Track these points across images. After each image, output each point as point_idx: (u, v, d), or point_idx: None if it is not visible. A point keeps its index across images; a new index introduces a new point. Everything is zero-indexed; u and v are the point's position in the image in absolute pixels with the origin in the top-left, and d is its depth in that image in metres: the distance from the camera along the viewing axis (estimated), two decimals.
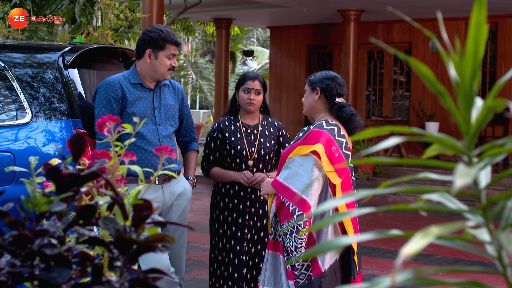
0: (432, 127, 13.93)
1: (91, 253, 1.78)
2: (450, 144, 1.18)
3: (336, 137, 3.84)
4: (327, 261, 3.81)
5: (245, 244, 4.58)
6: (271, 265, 3.92)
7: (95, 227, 1.82)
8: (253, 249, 4.61)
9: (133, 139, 2.44)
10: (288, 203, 3.72)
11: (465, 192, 1.17)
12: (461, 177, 1.02)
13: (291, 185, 3.73)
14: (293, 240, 3.73)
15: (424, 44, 14.74)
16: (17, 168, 2.51)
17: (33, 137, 4.29)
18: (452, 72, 1.22)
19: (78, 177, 1.69)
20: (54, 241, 1.64)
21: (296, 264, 3.76)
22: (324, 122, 3.87)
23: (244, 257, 4.56)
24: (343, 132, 3.91)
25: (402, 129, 1.27)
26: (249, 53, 20.66)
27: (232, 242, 4.57)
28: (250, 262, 4.61)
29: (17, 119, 4.33)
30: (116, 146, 2.35)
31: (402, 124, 14.73)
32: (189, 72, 24.83)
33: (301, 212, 3.68)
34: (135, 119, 2.53)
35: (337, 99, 3.97)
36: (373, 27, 15.18)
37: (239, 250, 4.55)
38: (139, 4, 10.06)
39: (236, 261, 4.55)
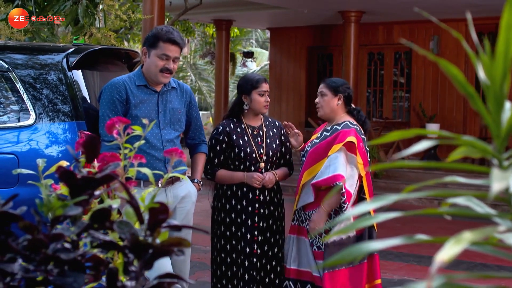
0: (433, 129, 13.91)
1: (103, 257, 1.75)
2: (480, 147, 1.16)
3: (360, 135, 4.43)
4: None
5: (255, 246, 4.56)
6: (296, 247, 4.53)
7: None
8: (259, 251, 4.60)
9: (142, 141, 2.41)
10: (344, 190, 4.28)
11: (497, 197, 1.15)
12: (498, 181, 0.99)
13: (343, 173, 4.30)
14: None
15: (424, 46, 14.71)
16: (24, 171, 2.47)
17: (37, 139, 4.25)
18: (481, 74, 1.19)
19: (92, 180, 1.67)
20: (67, 245, 1.62)
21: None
22: (348, 123, 4.45)
23: (254, 259, 4.55)
24: (362, 131, 4.52)
25: (429, 132, 1.25)
26: (249, 55, 20.64)
27: (242, 243, 4.55)
28: (258, 264, 4.59)
29: (21, 121, 4.29)
30: (125, 148, 2.31)
31: (402, 126, 14.71)
32: (188, 74, 24.80)
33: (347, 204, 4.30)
34: (145, 121, 2.50)
35: (352, 105, 4.61)
36: (373, 28, 15.16)
37: (249, 252, 4.54)
38: (138, 5, 10.05)
39: (247, 263, 4.54)
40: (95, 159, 1.87)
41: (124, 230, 1.63)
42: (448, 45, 14.28)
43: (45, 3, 5.90)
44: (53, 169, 2.38)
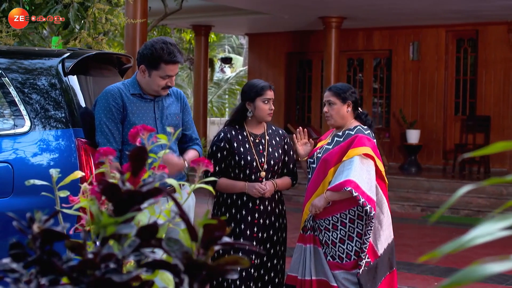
0: (413, 135, 13.90)
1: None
2: None
3: (373, 140, 4.43)
4: (382, 245, 4.39)
5: (253, 256, 4.44)
6: (314, 257, 4.46)
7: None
8: (258, 261, 4.48)
9: (167, 150, 2.29)
10: (356, 194, 4.16)
11: None
12: None
13: (355, 179, 4.20)
14: (363, 223, 4.30)
15: (404, 52, 14.72)
16: (38, 182, 2.32)
17: (32, 147, 4.08)
18: None
19: (138, 194, 1.54)
20: (112, 265, 1.49)
21: (363, 246, 4.28)
22: (360, 127, 4.46)
23: (251, 269, 4.43)
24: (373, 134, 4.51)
25: None
26: (227, 60, 20.54)
27: (240, 253, 4.43)
28: (256, 274, 4.48)
29: (15, 128, 4.11)
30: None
31: (383, 132, 14.68)
32: None
33: (370, 206, 4.19)
34: (170, 129, 2.38)
35: (359, 109, 4.60)
36: (353, 34, 15.12)
37: None
38: (115, 10, 9.92)
39: (244, 274, 4.41)
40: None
41: (174, 248, 1.50)
42: (429, 51, 14.29)
43: (33, 8, 5.75)
44: (68, 180, 2.25)
